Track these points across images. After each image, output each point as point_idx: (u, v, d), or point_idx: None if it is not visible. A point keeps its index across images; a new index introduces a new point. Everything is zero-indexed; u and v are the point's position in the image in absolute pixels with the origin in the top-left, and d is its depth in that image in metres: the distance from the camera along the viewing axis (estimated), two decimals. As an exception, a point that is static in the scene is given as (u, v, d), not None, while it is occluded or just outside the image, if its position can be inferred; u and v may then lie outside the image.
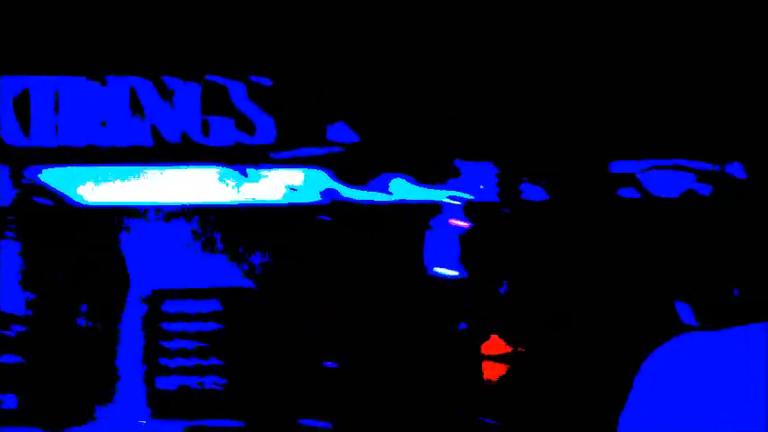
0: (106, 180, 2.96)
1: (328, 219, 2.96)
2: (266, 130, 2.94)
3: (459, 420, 2.97)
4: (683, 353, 1.93)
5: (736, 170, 3.03)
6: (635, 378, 1.97)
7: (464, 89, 2.97)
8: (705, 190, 3.04)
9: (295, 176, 2.98)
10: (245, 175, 2.94)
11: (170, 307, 2.98)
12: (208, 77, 2.92)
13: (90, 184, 2.97)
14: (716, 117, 3.00)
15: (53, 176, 2.96)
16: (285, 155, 2.95)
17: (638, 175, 3.04)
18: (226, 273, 3.00)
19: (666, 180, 3.05)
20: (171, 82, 2.93)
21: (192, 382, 2.97)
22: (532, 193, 2.99)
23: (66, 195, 2.95)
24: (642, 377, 1.96)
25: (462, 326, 2.95)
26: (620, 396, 2.00)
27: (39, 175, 2.95)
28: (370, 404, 3.02)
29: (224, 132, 2.94)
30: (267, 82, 2.92)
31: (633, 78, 3.00)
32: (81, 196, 2.96)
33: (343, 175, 2.96)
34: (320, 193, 2.96)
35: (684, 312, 3.01)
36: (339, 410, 3.00)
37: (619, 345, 2.94)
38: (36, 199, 2.95)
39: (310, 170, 2.97)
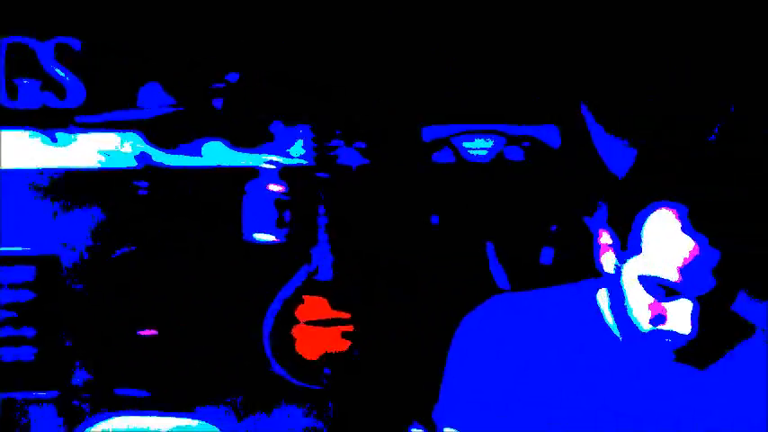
0: None
1: (144, 184, 2.91)
2: (76, 93, 2.86)
3: (269, 381, 2.97)
4: (496, 314, 1.97)
5: (548, 134, 3.10)
6: (451, 342, 1.99)
7: (279, 53, 2.95)
8: (517, 154, 3.10)
9: (107, 141, 2.91)
10: (55, 140, 2.86)
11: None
12: (13, 39, 2.82)
13: None
14: (528, 82, 3.06)
15: None
16: (96, 118, 2.88)
17: (452, 140, 3.08)
18: (38, 240, 2.92)
19: (479, 144, 3.10)
20: (-25, 44, 2.82)
21: (7, 353, 2.89)
22: (348, 157, 3.00)
23: None
24: (458, 341, 1.98)
25: (283, 290, 2.94)
26: (440, 360, 2.03)
27: None
28: (189, 372, 2.99)
29: (32, 95, 2.85)
30: (76, 44, 2.84)
31: (444, 43, 3.03)
32: None
33: (157, 139, 2.91)
34: (135, 157, 2.90)
35: (499, 276, 3.07)
36: (156, 380, 2.96)
37: (438, 309, 2.98)
38: None
39: (123, 134, 2.91)
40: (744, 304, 1.99)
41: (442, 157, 3.10)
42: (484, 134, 3.10)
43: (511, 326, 1.94)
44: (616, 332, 1.91)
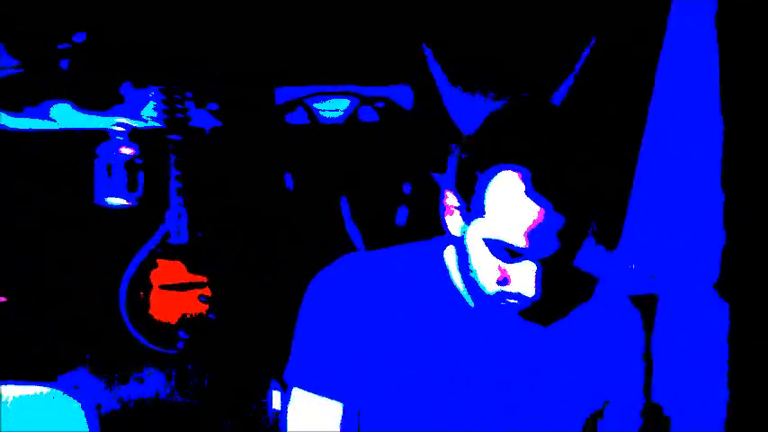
0: None
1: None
2: None
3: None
4: (345, 273, 1.96)
5: (401, 95, 3.12)
6: (301, 302, 1.98)
7: (128, 13, 2.90)
8: (370, 115, 3.12)
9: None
10: None
11: None
12: None
13: None
14: (379, 43, 3.07)
15: None
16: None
17: (305, 102, 3.08)
18: None
19: (333, 106, 3.10)
20: None
21: None
22: (201, 119, 2.97)
23: None
24: (307, 300, 1.97)
25: (137, 255, 2.91)
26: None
27: None
28: (45, 339, 2.95)
29: None
30: None
31: (298, 5, 3.02)
32: None
33: (2, 102, 2.84)
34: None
35: (354, 235, 3.09)
36: (9, 348, 2.92)
37: (294, 270, 2.98)
38: None
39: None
40: (587, 256, 2.03)
41: (296, 118, 3.09)
42: (337, 95, 3.11)
43: (360, 285, 1.93)
44: (463, 292, 1.93)
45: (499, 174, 1.72)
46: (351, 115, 3.11)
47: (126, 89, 2.93)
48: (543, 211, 1.69)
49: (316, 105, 3.10)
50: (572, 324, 1.95)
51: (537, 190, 1.68)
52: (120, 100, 2.93)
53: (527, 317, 1.87)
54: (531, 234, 1.71)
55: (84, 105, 2.90)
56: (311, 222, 3.09)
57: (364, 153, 3.10)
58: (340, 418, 1.94)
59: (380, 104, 3.11)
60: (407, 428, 1.92)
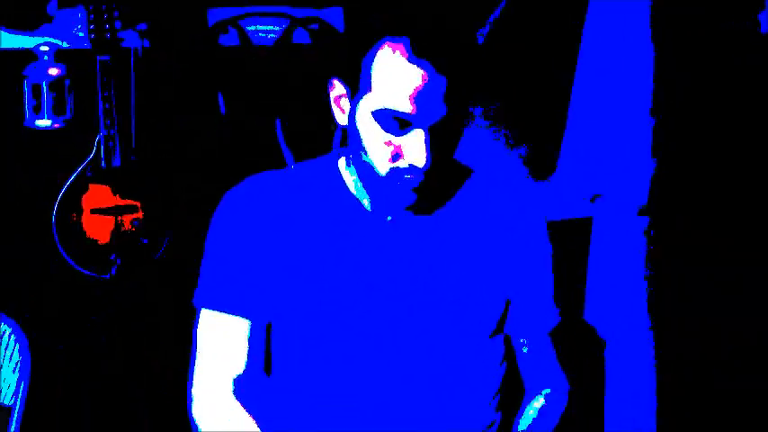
0: None
1: None
2: None
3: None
4: (250, 191, 1.97)
5: (333, 16, 3.09)
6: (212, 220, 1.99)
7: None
8: (303, 37, 3.09)
9: None
10: None
11: None
12: None
13: None
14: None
15: None
16: None
17: (238, 23, 3.04)
18: None
19: (266, 27, 3.07)
20: None
21: None
22: (131, 40, 2.93)
23: None
24: (214, 219, 1.99)
25: (68, 179, 2.88)
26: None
27: None
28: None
29: None
30: None
31: None
32: None
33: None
34: None
35: (288, 156, 3.08)
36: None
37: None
38: None
39: None
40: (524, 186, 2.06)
41: (228, 39, 3.06)
42: (270, 17, 3.08)
43: (261, 202, 1.95)
44: (359, 195, 1.96)
45: (382, 47, 1.77)
46: (283, 36, 3.08)
47: (53, 8, 2.88)
48: (426, 74, 1.75)
49: (248, 27, 3.06)
50: (468, 215, 1.99)
51: (418, 55, 1.75)
52: (47, 19, 2.87)
53: (420, 195, 1.88)
54: (418, 98, 1.77)
55: (10, 25, 2.85)
56: (245, 145, 3.07)
57: (297, 74, 3.08)
58: (248, 335, 1.94)
59: (314, 26, 3.08)
60: (319, 339, 1.94)
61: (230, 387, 1.95)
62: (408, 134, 1.80)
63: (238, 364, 1.95)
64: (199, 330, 1.97)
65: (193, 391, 1.98)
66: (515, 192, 2.03)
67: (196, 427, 1.97)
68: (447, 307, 1.95)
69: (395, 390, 1.95)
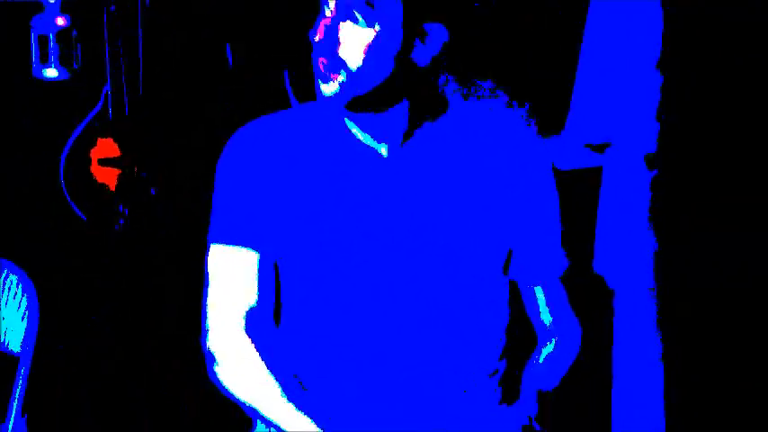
0: None
1: None
2: None
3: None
4: (258, 131, 1.99)
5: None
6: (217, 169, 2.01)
7: None
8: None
9: None
10: None
11: None
12: None
13: None
14: None
15: None
16: None
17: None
18: None
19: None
20: None
21: None
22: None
23: None
24: (222, 158, 2.00)
25: (75, 130, 2.88)
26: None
27: None
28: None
29: None
30: None
31: None
32: None
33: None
34: None
35: (295, 105, 3.06)
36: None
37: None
38: None
39: None
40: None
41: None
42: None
43: (271, 140, 1.97)
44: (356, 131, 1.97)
45: None
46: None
47: (59, -42, 2.86)
48: None
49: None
50: (473, 155, 1.99)
51: None
52: (53, -32, 2.86)
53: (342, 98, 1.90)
54: None
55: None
56: (253, 96, 3.06)
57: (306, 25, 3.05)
58: (257, 267, 1.96)
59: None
60: (324, 278, 1.95)
61: (242, 320, 1.96)
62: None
63: (250, 295, 1.96)
64: (209, 264, 1.98)
65: (207, 323, 1.98)
66: (520, 133, 2.03)
67: (211, 359, 1.98)
68: (449, 244, 1.95)
69: (396, 328, 1.96)
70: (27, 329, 2.34)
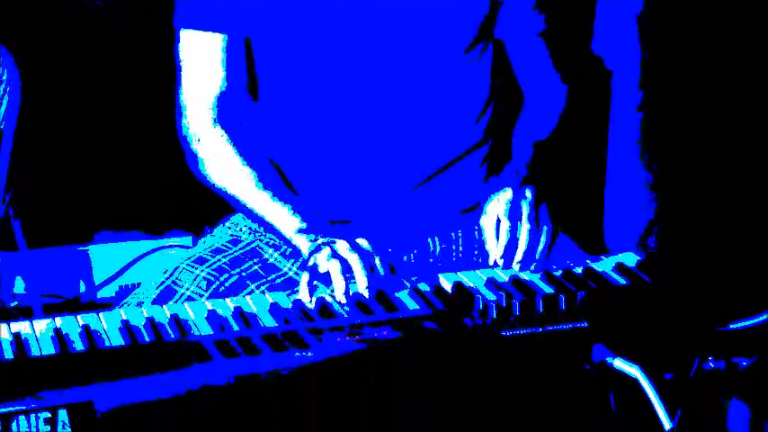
0: None
1: None
2: None
3: None
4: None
5: None
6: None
7: None
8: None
9: None
10: None
11: None
12: None
13: None
14: None
15: None
16: None
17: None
18: None
19: None
20: None
21: None
22: None
23: None
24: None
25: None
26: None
27: None
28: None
29: None
30: None
31: None
32: None
33: None
34: None
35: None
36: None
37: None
38: None
39: None
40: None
41: None
42: None
43: None
44: None
45: None
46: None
47: None
48: None
49: None
50: None
51: None
52: None
53: None
54: None
55: None
56: None
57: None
58: (224, 51, 2.01)
59: None
60: (299, 49, 1.99)
61: (213, 110, 2.04)
62: None
63: (217, 81, 2.03)
64: (180, 51, 2.05)
65: (182, 116, 2.06)
66: None
67: (192, 156, 2.06)
68: (421, 16, 1.96)
69: (370, 96, 1.99)
70: (9, 104, 2.32)
